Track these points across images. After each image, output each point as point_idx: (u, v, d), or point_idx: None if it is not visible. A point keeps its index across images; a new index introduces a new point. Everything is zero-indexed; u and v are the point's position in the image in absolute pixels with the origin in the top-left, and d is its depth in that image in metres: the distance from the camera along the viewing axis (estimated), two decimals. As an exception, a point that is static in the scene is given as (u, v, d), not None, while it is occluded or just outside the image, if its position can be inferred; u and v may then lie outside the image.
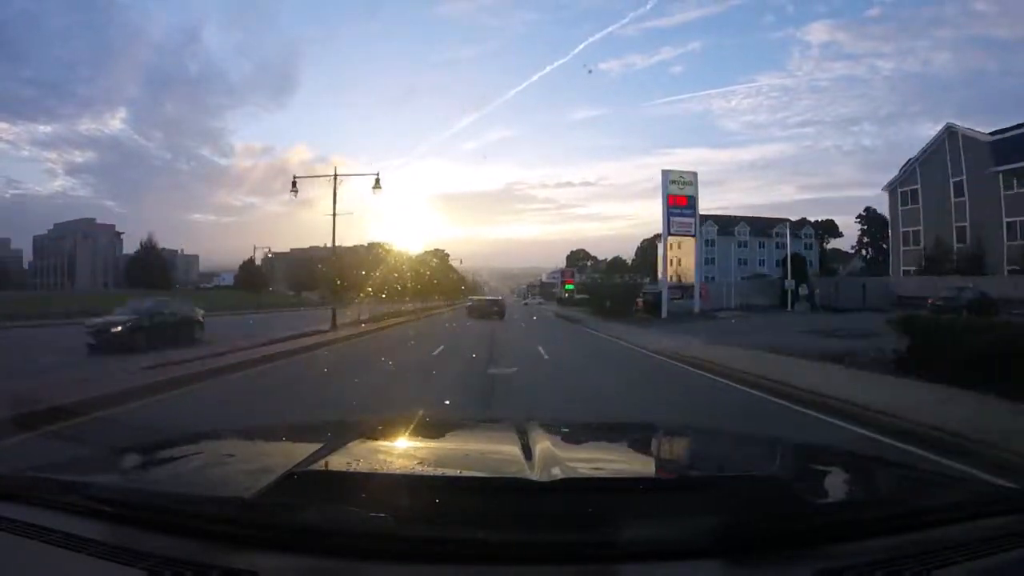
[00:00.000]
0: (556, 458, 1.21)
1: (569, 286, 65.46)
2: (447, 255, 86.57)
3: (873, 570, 0.85)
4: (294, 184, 20.56)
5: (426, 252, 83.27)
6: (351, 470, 1.23)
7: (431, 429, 1.91)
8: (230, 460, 1.49)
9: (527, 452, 1.25)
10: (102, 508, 1.02)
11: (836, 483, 1.42)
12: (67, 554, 0.91)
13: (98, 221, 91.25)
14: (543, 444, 1.31)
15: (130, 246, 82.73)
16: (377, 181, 20.24)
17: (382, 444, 1.62)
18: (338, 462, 1.29)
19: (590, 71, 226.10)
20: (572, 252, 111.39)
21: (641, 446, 1.82)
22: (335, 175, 20.72)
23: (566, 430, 1.86)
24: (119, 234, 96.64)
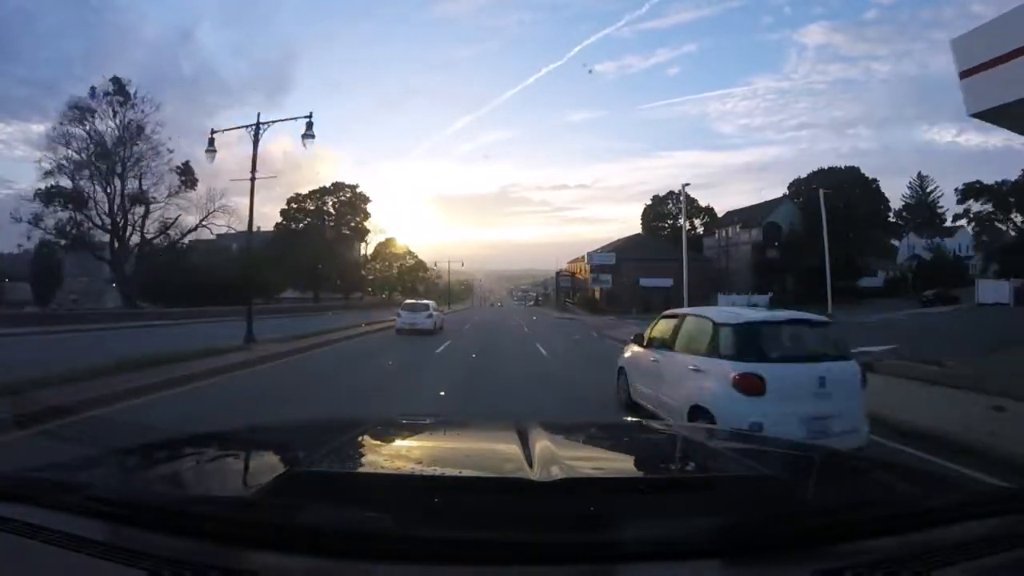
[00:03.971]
0: (556, 458, 1.21)
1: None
2: (364, 204, 55.16)
3: (873, 570, 0.85)
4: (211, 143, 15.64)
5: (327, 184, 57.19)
6: (351, 470, 1.23)
7: (431, 429, 1.91)
8: (230, 460, 1.49)
9: (527, 452, 1.25)
10: (102, 508, 1.02)
11: (836, 483, 1.42)
12: (67, 554, 0.91)
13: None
14: (543, 444, 1.31)
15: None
16: (308, 126, 14.50)
17: (382, 444, 1.62)
18: (338, 462, 1.29)
19: (590, 71, 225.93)
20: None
21: (641, 446, 1.82)
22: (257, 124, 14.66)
23: (566, 430, 1.86)
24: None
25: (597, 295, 47.04)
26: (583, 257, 54.17)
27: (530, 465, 1.15)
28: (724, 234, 56.31)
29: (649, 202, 63.21)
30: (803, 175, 55.53)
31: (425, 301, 23.02)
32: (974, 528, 1.00)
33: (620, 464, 1.56)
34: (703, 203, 62.04)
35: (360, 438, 1.61)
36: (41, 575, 0.92)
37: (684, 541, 0.90)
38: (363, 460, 1.38)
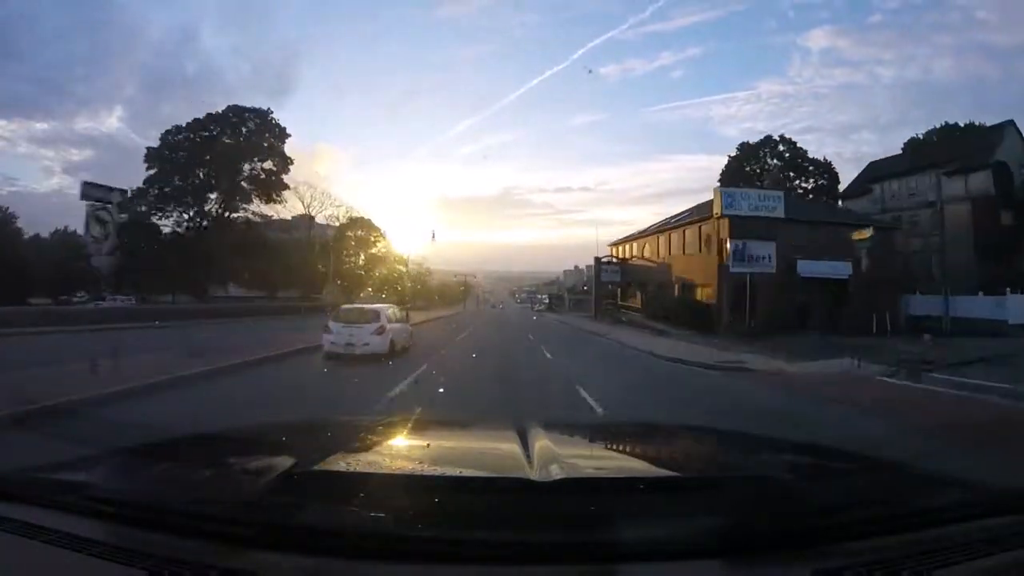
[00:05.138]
0: (556, 458, 1.21)
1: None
2: (279, 143, 38.11)
3: (873, 570, 0.85)
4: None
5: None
6: (351, 470, 1.23)
7: (431, 429, 1.91)
8: (230, 460, 1.49)
9: (527, 452, 1.25)
10: (102, 508, 1.02)
11: (836, 483, 1.42)
12: (67, 554, 0.91)
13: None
14: (543, 444, 1.31)
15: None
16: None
17: (382, 444, 1.61)
18: (338, 462, 1.29)
19: (590, 71, 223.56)
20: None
21: (641, 446, 1.81)
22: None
23: (566, 430, 1.86)
24: None
25: (714, 296, 23.13)
26: (702, 208, 26.64)
27: (530, 465, 1.16)
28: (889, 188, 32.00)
29: (734, 153, 43.19)
30: (919, 133, 41.78)
31: (375, 306, 13.86)
32: (974, 528, 1.00)
33: (620, 464, 1.56)
34: (812, 155, 42.16)
35: (360, 438, 1.61)
36: (41, 575, 0.92)
37: (684, 541, 0.90)
38: (363, 460, 1.38)
